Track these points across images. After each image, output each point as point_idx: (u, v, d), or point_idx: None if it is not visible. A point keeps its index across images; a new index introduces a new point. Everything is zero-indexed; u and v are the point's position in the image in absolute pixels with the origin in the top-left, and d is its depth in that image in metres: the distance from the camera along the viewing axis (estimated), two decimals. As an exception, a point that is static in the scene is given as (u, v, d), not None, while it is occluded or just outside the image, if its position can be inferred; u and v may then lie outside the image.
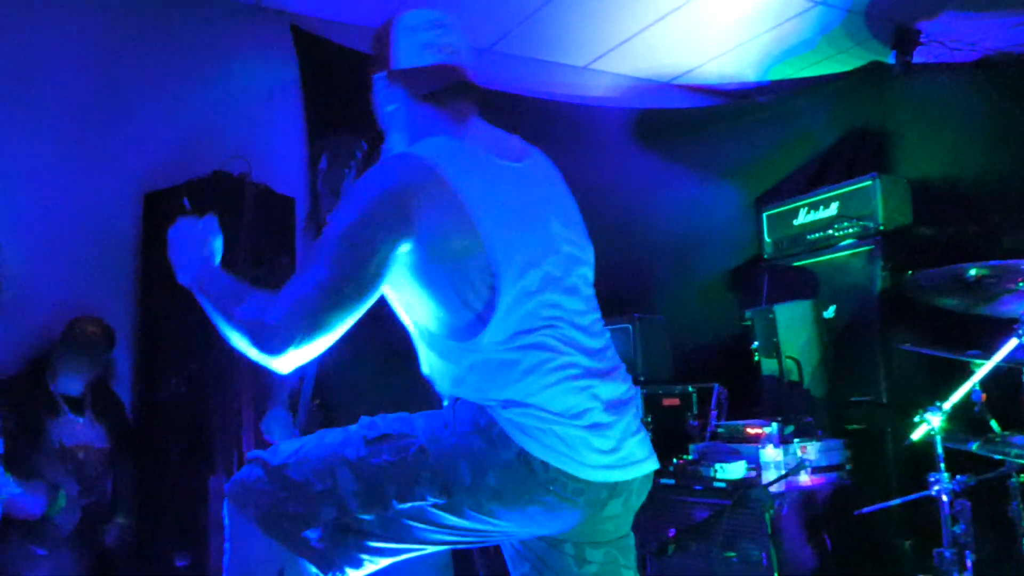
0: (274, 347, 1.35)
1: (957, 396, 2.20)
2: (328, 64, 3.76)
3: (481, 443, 1.38)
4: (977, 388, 2.30)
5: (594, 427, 1.43)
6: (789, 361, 3.40)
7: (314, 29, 3.80)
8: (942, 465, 2.23)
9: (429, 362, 1.53)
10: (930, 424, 2.21)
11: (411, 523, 1.42)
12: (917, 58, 4.07)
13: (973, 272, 2.31)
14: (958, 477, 2.25)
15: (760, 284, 3.75)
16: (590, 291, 1.60)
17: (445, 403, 1.50)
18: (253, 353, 1.38)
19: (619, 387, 1.51)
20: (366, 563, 1.46)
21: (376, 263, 1.38)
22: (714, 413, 3.34)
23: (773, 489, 2.82)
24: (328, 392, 2.50)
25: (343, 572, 1.44)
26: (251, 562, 1.47)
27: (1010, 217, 3.62)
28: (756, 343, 3.48)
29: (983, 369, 2.17)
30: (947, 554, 2.24)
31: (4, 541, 2.72)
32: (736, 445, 3.05)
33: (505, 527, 1.45)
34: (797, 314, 3.47)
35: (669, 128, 4.51)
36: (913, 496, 2.50)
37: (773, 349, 3.43)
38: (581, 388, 1.44)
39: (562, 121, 4.28)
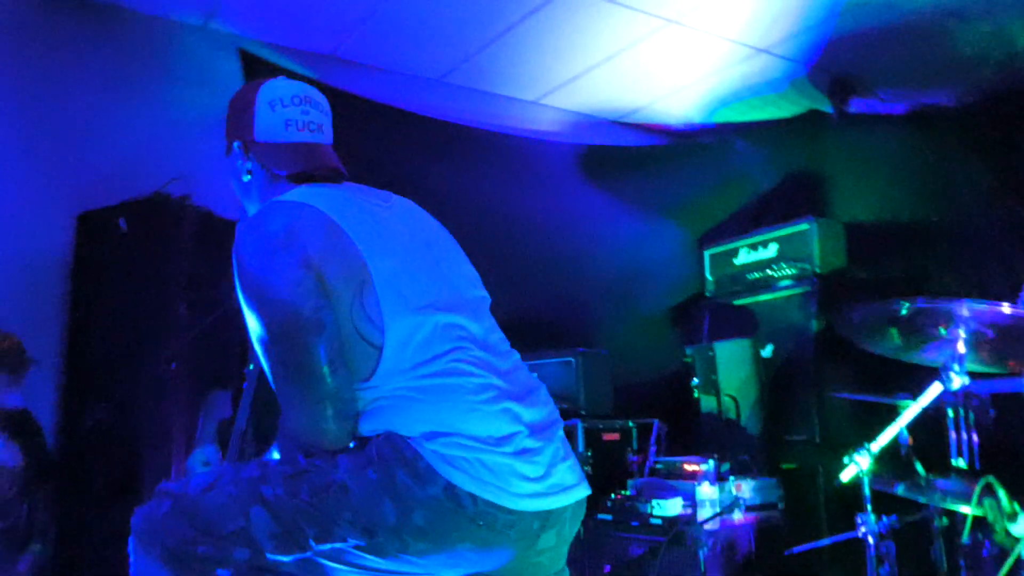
0: (339, 444, 1.39)
1: (884, 439, 2.25)
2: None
3: (406, 478, 1.31)
4: (904, 432, 2.35)
5: (522, 453, 1.37)
6: (727, 399, 3.44)
7: (262, 54, 3.77)
8: (869, 506, 2.27)
9: None
10: (858, 465, 2.25)
11: (331, 564, 1.36)
12: (853, 108, 4.23)
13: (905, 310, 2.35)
14: (884, 519, 2.29)
15: (701, 321, 3.81)
16: (488, 311, 1.58)
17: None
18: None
19: (541, 410, 1.47)
20: None
21: (311, 308, 1.35)
22: (653, 449, 3.36)
23: (708, 527, 2.85)
24: (264, 421, 2.43)
25: None
26: None
27: (936, 261, 3.76)
28: (696, 380, 3.53)
29: (907, 413, 2.23)
30: (873, 595, 2.28)
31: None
32: (673, 482, 3.06)
33: (432, 567, 1.39)
34: (736, 352, 3.53)
35: (615, 165, 4.58)
36: (841, 536, 2.54)
37: (712, 386, 3.48)
38: (502, 411, 1.39)
39: (509, 154, 4.31)
